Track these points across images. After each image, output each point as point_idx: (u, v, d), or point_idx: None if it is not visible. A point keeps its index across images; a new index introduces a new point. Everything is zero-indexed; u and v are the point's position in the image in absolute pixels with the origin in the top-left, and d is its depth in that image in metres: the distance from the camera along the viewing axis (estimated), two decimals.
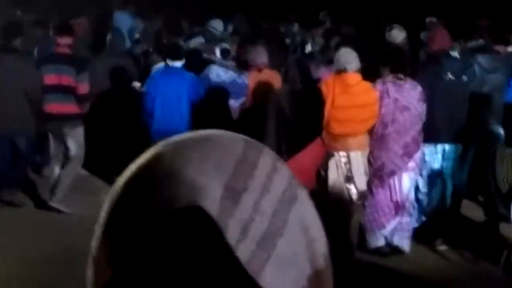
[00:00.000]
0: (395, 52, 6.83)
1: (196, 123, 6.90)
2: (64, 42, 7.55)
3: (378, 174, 6.50)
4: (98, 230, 0.75)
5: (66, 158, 7.73)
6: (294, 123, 6.07)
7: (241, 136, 0.78)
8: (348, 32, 9.80)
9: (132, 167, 0.77)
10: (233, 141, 0.76)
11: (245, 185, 0.73)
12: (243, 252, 0.71)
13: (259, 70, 6.96)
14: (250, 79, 6.95)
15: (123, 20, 9.45)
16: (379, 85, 6.46)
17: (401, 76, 6.51)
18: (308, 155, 6.11)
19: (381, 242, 6.63)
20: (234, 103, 6.94)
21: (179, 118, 6.97)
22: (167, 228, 0.71)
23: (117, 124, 8.39)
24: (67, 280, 5.63)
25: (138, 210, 0.72)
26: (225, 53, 7.52)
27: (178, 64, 7.15)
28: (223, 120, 6.79)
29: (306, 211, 0.75)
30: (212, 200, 0.71)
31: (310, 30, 11.25)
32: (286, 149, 6.01)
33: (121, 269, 0.73)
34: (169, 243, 0.73)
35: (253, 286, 0.71)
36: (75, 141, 7.65)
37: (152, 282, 0.73)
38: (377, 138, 6.47)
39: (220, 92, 6.95)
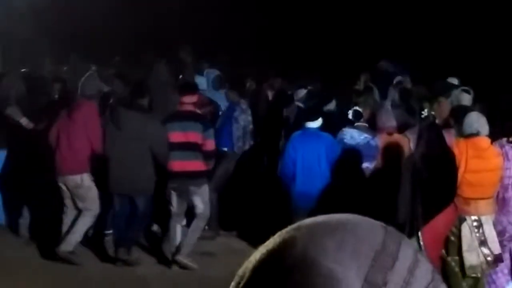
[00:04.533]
0: (507, 115, 7.19)
1: (331, 185, 7.02)
2: (189, 100, 7.68)
3: (499, 239, 6.54)
4: None
5: (192, 215, 7.79)
6: (430, 186, 6.11)
7: (379, 223, 0.74)
8: None
9: (262, 251, 0.72)
10: (371, 228, 0.72)
11: (385, 278, 0.68)
12: None
13: (389, 133, 7.18)
14: (380, 142, 7.14)
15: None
16: (497, 148, 6.61)
17: None
18: (443, 221, 6.19)
19: None
20: (367, 165, 7.09)
21: (319, 179, 7.07)
22: None
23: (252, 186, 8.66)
24: None
25: None
26: (357, 115, 7.80)
27: (316, 125, 7.32)
28: (358, 182, 6.90)
29: None
30: None
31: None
32: (423, 212, 6.08)
33: None
34: None
35: None
36: (201, 199, 7.66)
37: None
38: (498, 201, 6.58)
39: (355, 154, 7.10)
